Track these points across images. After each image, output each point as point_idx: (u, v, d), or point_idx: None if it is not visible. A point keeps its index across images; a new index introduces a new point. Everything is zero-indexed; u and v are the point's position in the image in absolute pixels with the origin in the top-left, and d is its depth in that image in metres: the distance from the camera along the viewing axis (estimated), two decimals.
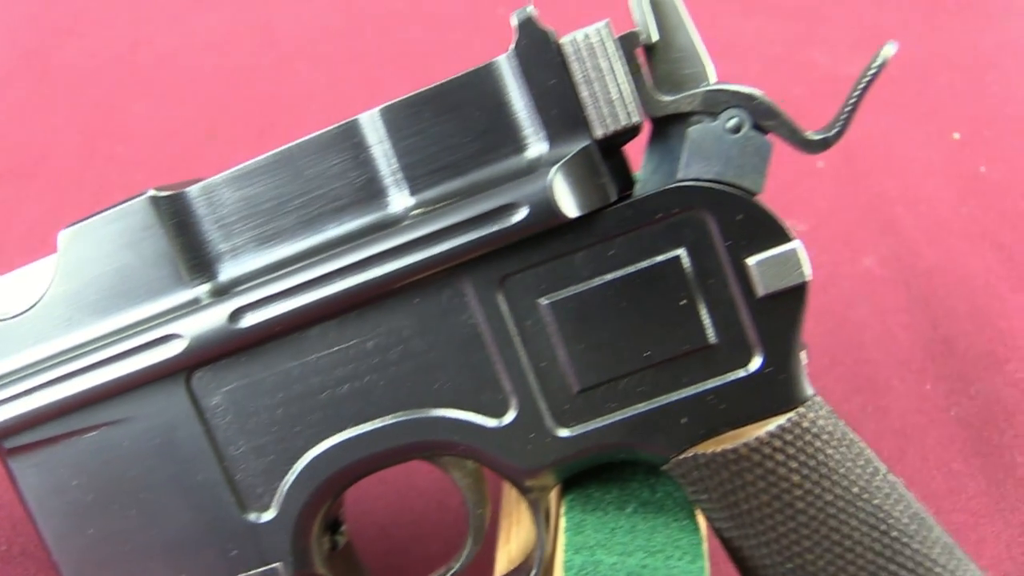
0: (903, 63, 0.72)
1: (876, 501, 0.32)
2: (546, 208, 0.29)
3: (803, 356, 0.32)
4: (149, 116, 0.66)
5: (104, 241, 0.32)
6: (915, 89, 0.72)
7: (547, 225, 0.30)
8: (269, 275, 0.32)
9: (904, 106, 0.71)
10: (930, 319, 0.55)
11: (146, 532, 0.34)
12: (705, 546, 0.33)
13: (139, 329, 0.32)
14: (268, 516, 0.33)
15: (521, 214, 0.30)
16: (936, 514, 0.45)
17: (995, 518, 0.47)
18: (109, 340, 0.32)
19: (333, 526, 0.36)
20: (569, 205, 0.29)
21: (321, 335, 0.32)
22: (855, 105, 0.30)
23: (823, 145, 0.30)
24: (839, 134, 0.30)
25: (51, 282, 0.33)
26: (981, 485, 0.48)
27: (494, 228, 0.30)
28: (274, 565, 0.34)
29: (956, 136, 0.69)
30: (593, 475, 0.35)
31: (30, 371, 0.33)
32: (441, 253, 0.30)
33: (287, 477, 0.33)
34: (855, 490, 0.31)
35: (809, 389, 0.31)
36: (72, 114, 0.66)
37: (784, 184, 0.63)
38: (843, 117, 0.30)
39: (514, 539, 0.40)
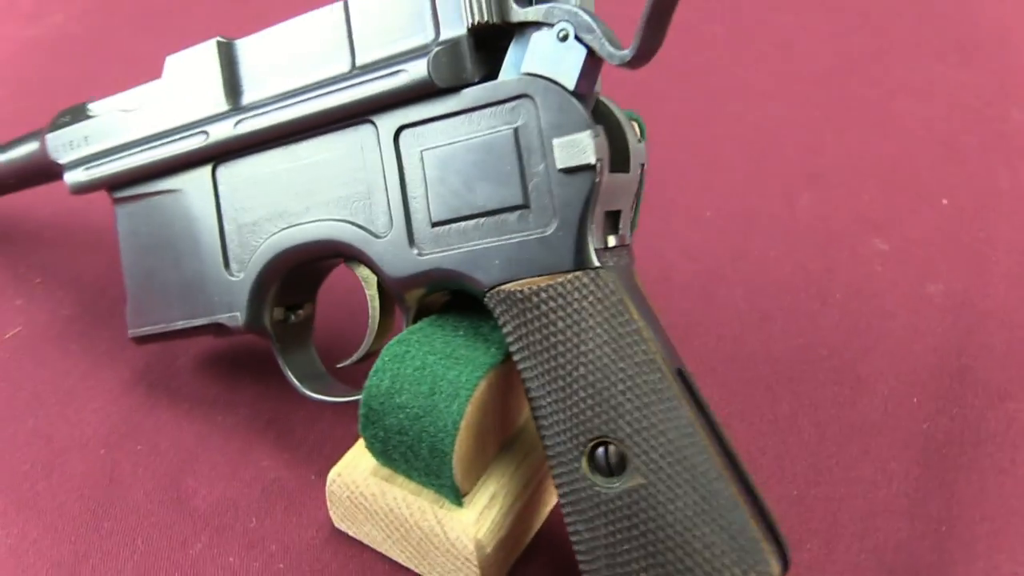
0: None
1: (623, 364, 0.38)
2: (423, 76, 0.41)
3: (611, 240, 0.40)
4: None
5: (184, 67, 0.49)
6: None
7: (425, 89, 0.41)
8: (268, 103, 0.46)
9: None
10: (958, 348, 0.56)
11: (173, 272, 0.50)
12: (498, 370, 0.42)
13: (191, 126, 0.48)
14: (239, 277, 0.48)
15: (408, 78, 0.41)
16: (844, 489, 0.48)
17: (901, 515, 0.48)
18: (175, 132, 0.49)
19: (292, 306, 0.50)
20: (439, 77, 0.41)
21: (287, 151, 0.46)
22: (646, 28, 0.37)
23: (621, 60, 0.38)
24: (637, 53, 0.38)
25: (155, 91, 0.50)
26: (906, 487, 0.49)
27: (392, 86, 0.42)
28: (235, 313, 0.48)
29: None
30: (454, 309, 0.45)
31: (133, 147, 0.50)
32: (360, 99, 0.43)
33: (254, 252, 0.47)
34: (608, 350, 0.39)
35: (595, 261, 0.39)
36: None
37: (898, 216, 0.66)
38: (638, 40, 0.37)
39: None
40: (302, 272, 0.49)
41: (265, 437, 0.52)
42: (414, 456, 0.42)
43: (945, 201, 0.68)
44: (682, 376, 0.40)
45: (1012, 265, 0.62)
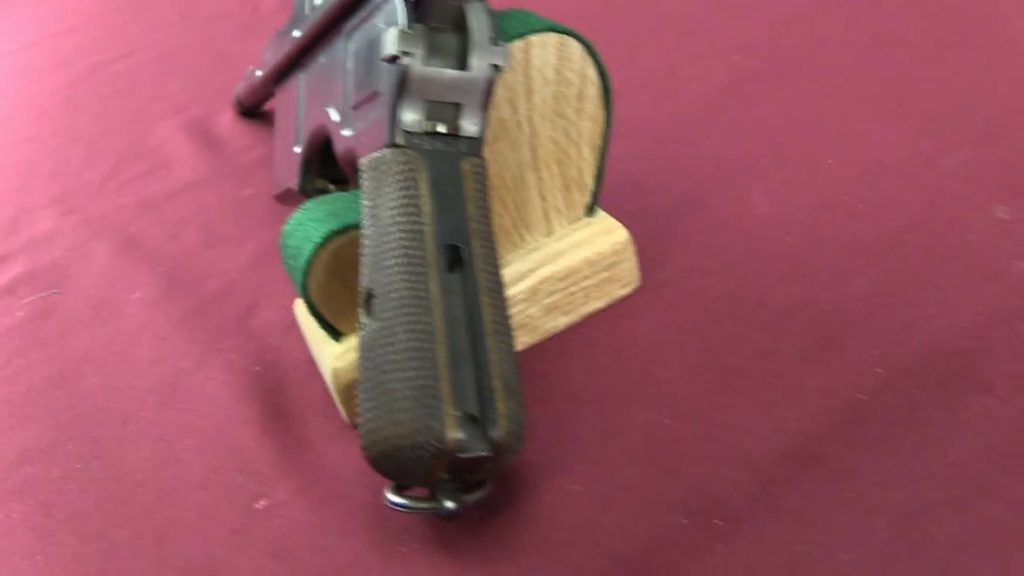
0: None
1: (392, 228, 0.45)
2: None
3: (440, 127, 0.47)
4: None
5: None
6: None
7: (348, 5, 0.51)
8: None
9: None
10: (981, 335, 0.48)
11: (283, 147, 0.66)
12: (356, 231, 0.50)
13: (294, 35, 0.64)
14: (298, 150, 0.62)
15: None
16: None
17: None
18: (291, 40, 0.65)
19: (338, 180, 0.63)
20: None
21: (325, 53, 0.59)
22: None
23: None
24: None
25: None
26: (772, 444, 0.46)
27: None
28: (295, 180, 0.63)
29: None
30: None
31: (276, 54, 0.68)
32: (330, 8, 0.54)
33: (304, 132, 0.61)
34: (387, 215, 0.46)
35: (400, 141, 0.46)
36: None
37: None
38: None
39: None
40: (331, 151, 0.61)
41: None
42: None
43: None
44: (456, 251, 0.45)
45: None
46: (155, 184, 0.84)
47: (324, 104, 0.57)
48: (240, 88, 0.87)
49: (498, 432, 0.42)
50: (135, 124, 0.96)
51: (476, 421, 0.42)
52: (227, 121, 0.91)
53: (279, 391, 0.57)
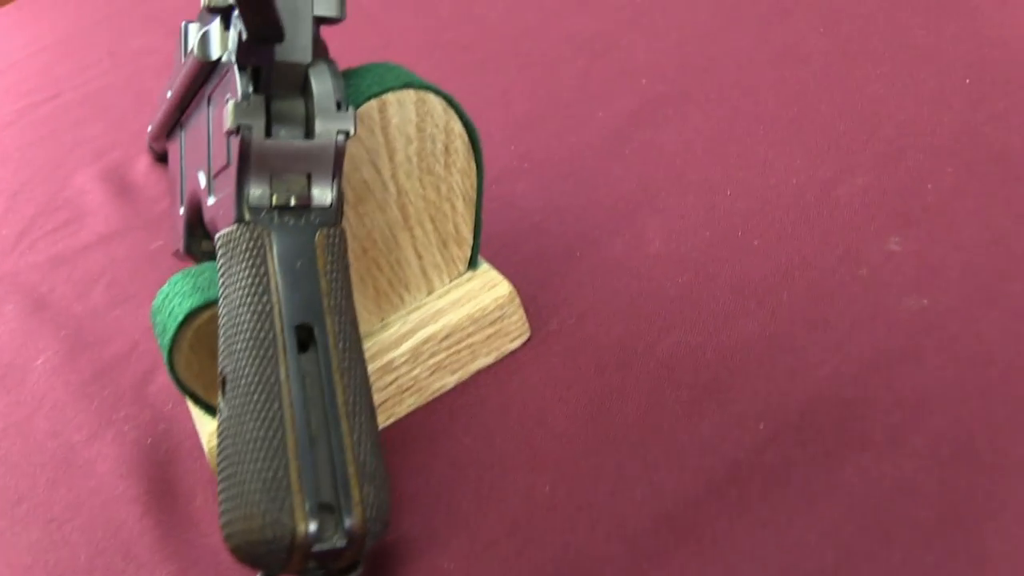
0: None
1: (242, 310, 0.43)
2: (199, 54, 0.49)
3: (292, 199, 0.45)
4: None
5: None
6: None
7: (204, 68, 0.50)
8: None
9: None
10: (871, 383, 0.47)
11: (172, 208, 0.65)
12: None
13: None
14: (182, 212, 0.61)
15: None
16: None
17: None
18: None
19: None
20: (198, 53, 0.49)
21: (187, 124, 0.57)
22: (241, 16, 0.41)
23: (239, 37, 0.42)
24: (248, 35, 0.41)
25: None
26: (623, 502, 0.44)
27: (191, 60, 0.51)
28: (181, 241, 0.61)
29: None
30: None
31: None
32: (188, 71, 0.53)
33: (187, 189, 0.60)
34: (236, 295, 0.44)
35: (246, 216, 0.44)
36: None
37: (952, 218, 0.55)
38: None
39: None
40: None
41: None
42: None
43: None
44: (308, 330, 0.43)
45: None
46: (68, 238, 0.83)
47: (197, 167, 0.55)
48: (150, 134, 0.86)
49: (353, 521, 0.40)
50: (55, 173, 0.94)
51: (332, 509, 0.40)
52: (143, 167, 0.90)
53: (168, 464, 0.56)
